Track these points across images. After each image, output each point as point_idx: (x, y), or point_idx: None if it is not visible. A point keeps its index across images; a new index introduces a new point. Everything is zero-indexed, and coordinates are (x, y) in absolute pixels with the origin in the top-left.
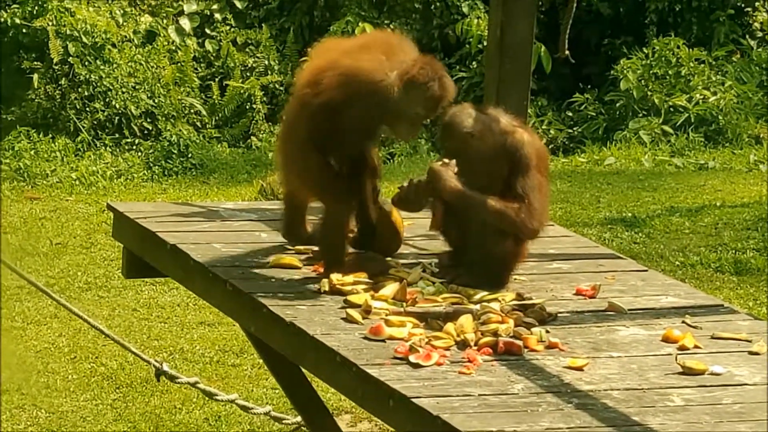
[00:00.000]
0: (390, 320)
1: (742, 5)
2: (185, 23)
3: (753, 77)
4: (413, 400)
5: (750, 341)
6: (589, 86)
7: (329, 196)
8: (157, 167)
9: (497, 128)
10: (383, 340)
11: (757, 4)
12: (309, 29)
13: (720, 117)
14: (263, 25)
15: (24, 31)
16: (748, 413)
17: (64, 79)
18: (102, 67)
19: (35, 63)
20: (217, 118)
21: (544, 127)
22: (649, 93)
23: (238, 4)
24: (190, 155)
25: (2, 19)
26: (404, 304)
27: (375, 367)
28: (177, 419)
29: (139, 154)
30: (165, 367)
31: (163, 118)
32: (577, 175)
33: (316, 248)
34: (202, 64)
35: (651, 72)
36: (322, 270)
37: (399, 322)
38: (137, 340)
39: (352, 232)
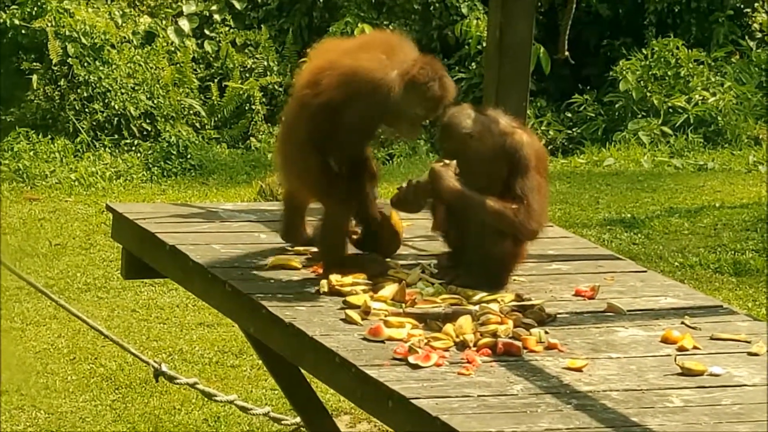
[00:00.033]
0: (389, 321)
1: (742, 6)
2: (184, 24)
3: (752, 78)
4: (412, 400)
5: (749, 342)
6: (588, 87)
7: (329, 197)
8: (156, 168)
9: (496, 129)
10: (382, 341)
11: (756, 5)
12: (308, 30)
13: (719, 118)
14: (262, 26)
15: (23, 32)
16: (747, 414)
17: (63, 80)
18: (101, 68)
19: (34, 64)
20: (216, 119)
21: (543, 128)
22: (648, 94)
23: (237, 5)
24: (189, 156)
25: (1, 20)
26: (403, 305)
27: (374, 367)
28: (176, 420)
29: (138, 155)
30: (164, 368)
31: (162, 119)
32: (576, 176)
33: (315, 249)
34: (201, 65)
35: (650, 73)
36: (321, 271)
37: (398, 323)
38: (136, 341)
39: (356, 233)
